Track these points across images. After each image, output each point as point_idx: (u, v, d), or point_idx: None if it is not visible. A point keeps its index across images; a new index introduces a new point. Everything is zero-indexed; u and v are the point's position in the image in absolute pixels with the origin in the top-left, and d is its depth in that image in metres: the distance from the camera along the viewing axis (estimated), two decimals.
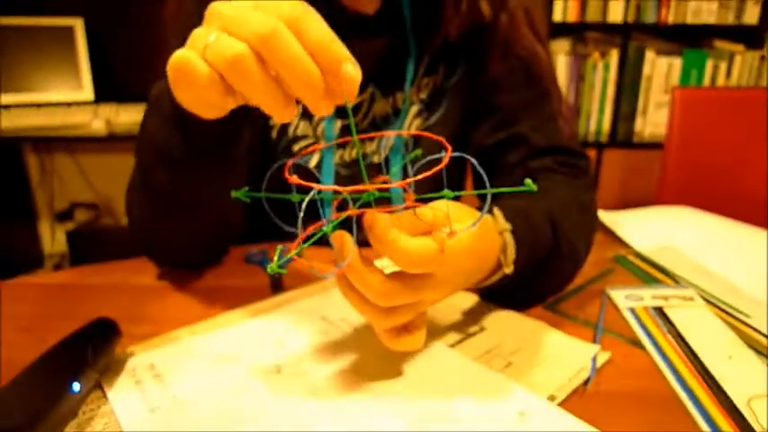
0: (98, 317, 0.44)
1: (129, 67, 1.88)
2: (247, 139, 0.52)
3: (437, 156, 0.34)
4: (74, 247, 2.15)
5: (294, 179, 0.34)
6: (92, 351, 0.39)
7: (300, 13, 0.32)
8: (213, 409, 0.38)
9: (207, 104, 0.40)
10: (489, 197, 0.34)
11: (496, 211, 0.47)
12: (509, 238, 0.45)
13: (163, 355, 0.44)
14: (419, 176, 0.34)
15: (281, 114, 0.34)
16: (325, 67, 0.33)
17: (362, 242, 0.35)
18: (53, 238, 2.28)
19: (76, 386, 0.37)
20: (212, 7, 0.35)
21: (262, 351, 0.45)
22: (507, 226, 0.46)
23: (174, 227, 0.56)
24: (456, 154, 0.34)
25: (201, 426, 0.37)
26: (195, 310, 0.52)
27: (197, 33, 0.35)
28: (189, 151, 0.47)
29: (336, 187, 0.34)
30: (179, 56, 0.34)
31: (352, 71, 0.32)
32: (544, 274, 0.51)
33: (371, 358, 0.44)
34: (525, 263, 0.47)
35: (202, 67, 0.34)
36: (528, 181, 0.33)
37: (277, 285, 0.57)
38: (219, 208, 0.56)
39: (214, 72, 0.33)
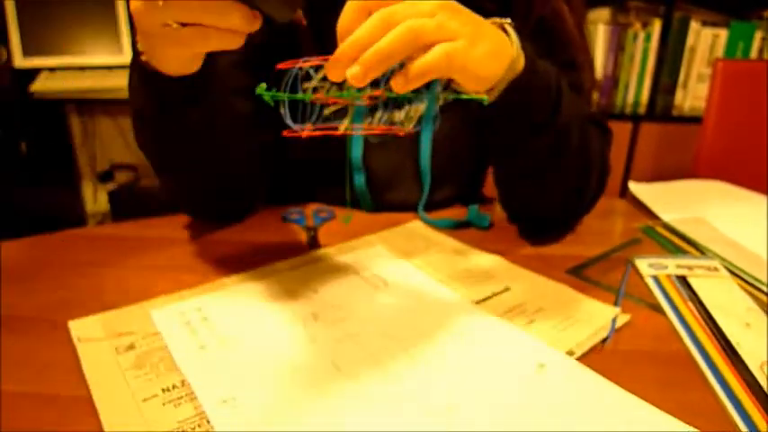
0: None
1: None
2: (221, 98, 0.54)
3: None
4: (115, 207, 2.24)
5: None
6: None
7: None
8: (255, 349, 0.42)
9: (171, 54, 0.43)
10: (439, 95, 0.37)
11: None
12: (510, 30, 0.47)
13: (210, 300, 0.48)
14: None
15: (248, 24, 0.37)
16: None
17: None
18: (95, 198, 2.38)
19: None
20: None
21: (300, 299, 0.49)
22: (507, 20, 0.47)
23: (175, 179, 0.60)
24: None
25: (244, 363, 0.40)
26: (238, 262, 0.56)
27: None
28: (158, 110, 0.51)
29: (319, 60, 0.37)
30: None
31: None
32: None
33: (401, 310, 0.47)
34: (530, 70, 0.47)
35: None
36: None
37: (313, 243, 0.60)
38: (216, 162, 0.59)
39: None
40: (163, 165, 0.59)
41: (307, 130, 0.42)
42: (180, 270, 0.54)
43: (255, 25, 0.38)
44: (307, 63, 0.39)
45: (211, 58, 0.48)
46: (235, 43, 0.39)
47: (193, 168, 0.58)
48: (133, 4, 0.38)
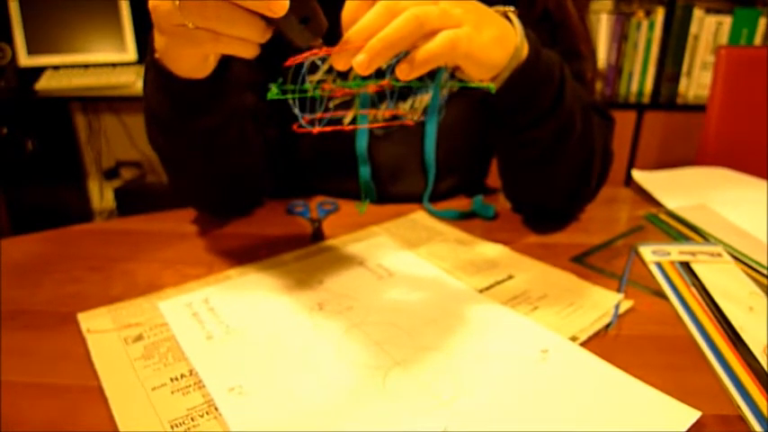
0: None
1: None
2: (234, 106, 0.55)
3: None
4: (121, 204, 2.25)
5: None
6: None
7: None
8: (261, 338, 0.43)
9: (184, 53, 0.44)
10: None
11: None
12: (514, 17, 0.47)
13: (216, 291, 0.49)
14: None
15: (258, 35, 0.37)
16: None
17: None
18: (101, 195, 2.40)
19: None
20: None
21: (305, 290, 0.49)
22: (511, 8, 0.48)
23: (184, 175, 0.61)
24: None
25: (251, 351, 0.41)
26: (243, 255, 0.57)
27: None
28: (173, 114, 0.51)
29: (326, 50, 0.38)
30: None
31: None
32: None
33: (405, 299, 0.48)
34: (534, 58, 0.48)
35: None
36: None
37: (318, 234, 0.61)
38: (225, 159, 0.59)
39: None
40: (172, 162, 0.59)
41: (317, 126, 0.42)
42: (186, 263, 0.55)
43: (266, 37, 0.38)
44: (312, 54, 0.39)
45: (226, 66, 0.49)
46: (247, 52, 0.39)
47: (202, 165, 0.59)
48: (151, 2, 0.39)
